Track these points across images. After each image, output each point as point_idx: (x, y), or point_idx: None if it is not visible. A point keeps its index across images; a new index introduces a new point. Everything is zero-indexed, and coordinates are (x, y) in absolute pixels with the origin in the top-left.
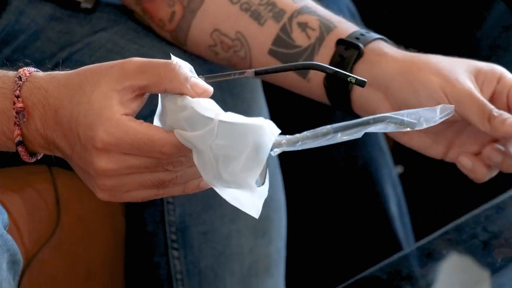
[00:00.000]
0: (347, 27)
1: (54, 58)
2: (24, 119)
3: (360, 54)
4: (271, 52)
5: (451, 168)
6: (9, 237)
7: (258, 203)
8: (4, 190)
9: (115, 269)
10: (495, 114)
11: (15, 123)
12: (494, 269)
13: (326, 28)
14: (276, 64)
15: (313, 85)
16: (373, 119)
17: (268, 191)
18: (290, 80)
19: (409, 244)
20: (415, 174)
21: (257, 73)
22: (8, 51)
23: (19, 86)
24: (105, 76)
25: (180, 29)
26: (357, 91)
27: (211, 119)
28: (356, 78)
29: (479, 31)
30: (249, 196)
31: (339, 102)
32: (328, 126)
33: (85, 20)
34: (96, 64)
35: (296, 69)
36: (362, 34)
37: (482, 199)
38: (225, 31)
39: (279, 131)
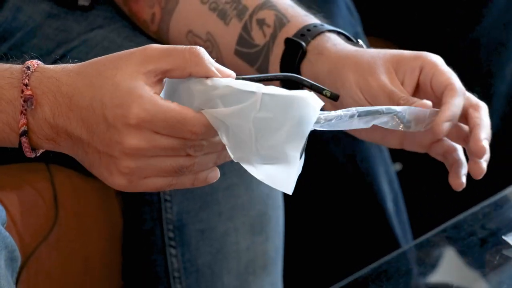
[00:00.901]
0: (298, 21)
1: (51, 55)
2: (32, 107)
3: (303, 53)
4: (236, 53)
5: None
6: (7, 234)
7: (292, 178)
8: (3, 188)
9: (113, 266)
10: (402, 102)
11: (21, 112)
12: (492, 267)
13: (279, 23)
14: (242, 64)
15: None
16: (385, 109)
17: (266, 189)
18: (238, 69)
19: (406, 241)
20: (413, 171)
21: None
22: (5, 48)
23: (28, 75)
24: (126, 60)
25: (161, 30)
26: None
27: (253, 92)
28: (331, 92)
29: (479, 28)
30: (284, 171)
31: None
32: (354, 109)
33: (82, 17)
34: (112, 54)
35: (277, 79)
36: (308, 30)
37: (480, 196)
38: (197, 32)
39: (322, 103)
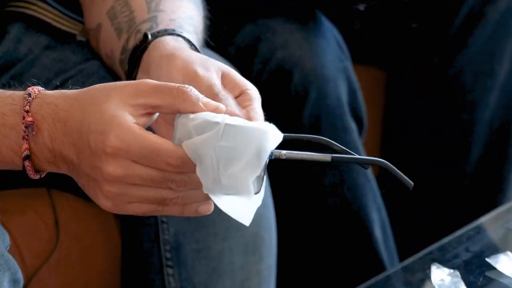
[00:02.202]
0: (163, 28)
1: (50, 84)
2: (33, 133)
3: (146, 44)
4: (120, 61)
5: (434, 191)
6: (10, 257)
7: (251, 210)
8: (6, 212)
9: (112, 286)
10: (221, 97)
11: (23, 137)
12: (475, 287)
13: (149, 30)
14: (119, 70)
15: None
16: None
17: (259, 210)
18: (115, 66)
19: (393, 265)
20: (400, 196)
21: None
22: (6, 78)
23: (29, 102)
24: (119, 91)
25: (101, 55)
26: (139, 74)
27: (218, 123)
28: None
29: (464, 57)
30: (244, 203)
31: None
32: (327, 155)
33: (78, 49)
34: (110, 83)
35: (307, 140)
36: (165, 30)
37: (464, 220)
38: (107, 52)
39: (282, 135)
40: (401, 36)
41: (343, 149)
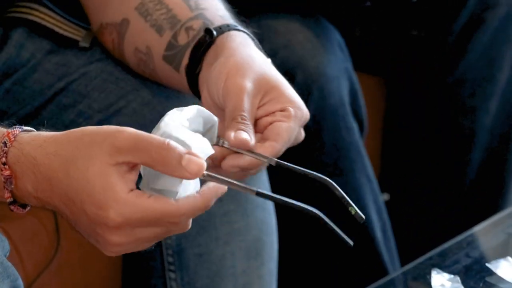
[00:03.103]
0: (220, 23)
1: (52, 88)
2: (12, 186)
3: (212, 39)
4: (164, 57)
5: (435, 196)
6: (9, 264)
7: None
8: (6, 217)
9: None
10: (239, 118)
11: (4, 187)
12: None
13: (204, 26)
14: (166, 66)
15: (182, 76)
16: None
17: (260, 215)
18: (167, 74)
19: (394, 268)
20: (401, 201)
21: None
22: (9, 83)
23: (5, 152)
24: (97, 151)
25: (120, 54)
26: (204, 69)
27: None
28: (356, 211)
29: (464, 64)
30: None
31: (193, 86)
32: (253, 189)
33: (81, 53)
34: (87, 132)
35: (311, 177)
36: (227, 25)
37: (465, 225)
38: (140, 47)
39: (212, 152)
40: (401, 43)
41: (344, 197)
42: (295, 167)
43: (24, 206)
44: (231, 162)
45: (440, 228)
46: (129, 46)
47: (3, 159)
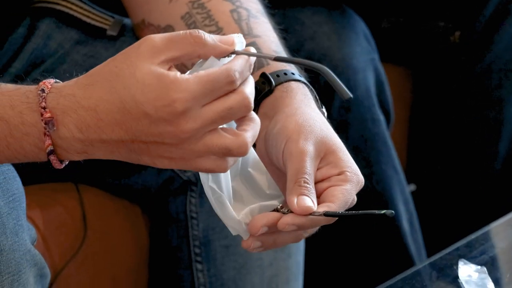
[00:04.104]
0: (277, 66)
1: None
2: (54, 128)
3: (271, 90)
4: None
5: (462, 187)
6: (36, 252)
7: None
8: (34, 207)
9: (139, 282)
10: (302, 181)
11: (45, 133)
12: (503, 284)
13: (258, 63)
14: None
15: None
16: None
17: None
18: None
19: (420, 259)
20: (427, 192)
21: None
22: (37, 73)
23: (43, 98)
24: (137, 57)
25: None
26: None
27: None
28: (347, 94)
29: (490, 54)
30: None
31: None
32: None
33: (110, 44)
34: (115, 56)
35: (306, 65)
36: (285, 74)
37: (491, 216)
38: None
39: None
40: (428, 34)
41: (335, 79)
42: (338, 213)
43: (61, 161)
44: (290, 220)
45: (467, 218)
46: None
47: (43, 104)
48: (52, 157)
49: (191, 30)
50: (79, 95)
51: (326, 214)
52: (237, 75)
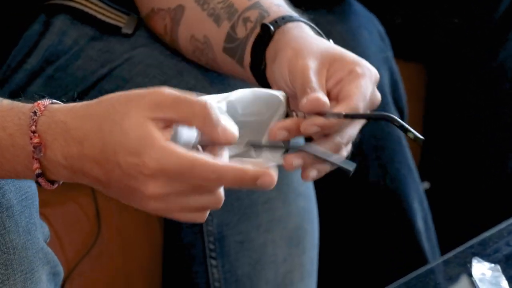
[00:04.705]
0: (276, 14)
1: (95, 74)
2: (41, 154)
3: (271, 35)
4: (224, 49)
5: (476, 185)
6: (49, 250)
7: None
8: (47, 204)
9: (153, 279)
10: (309, 90)
11: (33, 157)
12: None
13: (260, 18)
14: (228, 59)
15: (247, 72)
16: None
17: (302, 203)
18: (230, 67)
19: (434, 257)
20: (441, 190)
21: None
22: (51, 70)
23: (35, 121)
24: (136, 104)
25: (173, 40)
26: (269, 65)
27: None
28: (415, 136)
29: (504, 51)
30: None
31: (261, 81)
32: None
33: (124, 39)
34: (121, 93)
35: (373, 118)
36: (283, 18)
37: (505, 214)
38: (197, 36)
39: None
40: (443, 30)
41: (403, 125)
42: (360, 114)
43: (52, 182)
44: (310, 121)
45: (481, 216)
46: (184, 32)
47: (33, 127)
48: (40, 180)
49: (206, 102)
50: (70, 124)
51: (346, 116)
52: (217, 184)
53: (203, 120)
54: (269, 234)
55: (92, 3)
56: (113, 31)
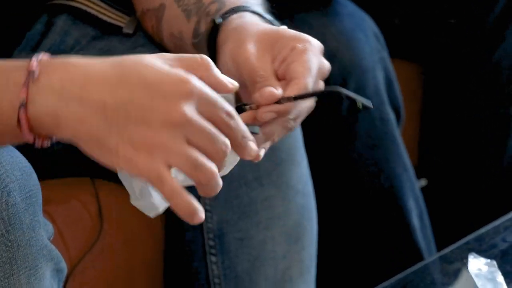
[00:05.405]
0: (229, 6)
1: None
2: (35, 76)
3: (217, 29)
4: (193, 45)
5: (472, 182)
6: (53, 247)
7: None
8: (50, 201)
9: (155, 275)
10: (258, 79)
11: (24, 83)
12: None
13: (217, 11)
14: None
15: (202, 47)
16: None
17: (301, 200)
18: (185, 47)
19: (430, 254)
20: (439, 186)
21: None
22: None
23: (37, 57)
24: (144, 56)
25: (160, 39)
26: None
27: None
28: (363, 103)
29: (500, 50)
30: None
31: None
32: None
33: (125, 38)
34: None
35: (321, 95)
36: (232, 9)
37: (501, 210)
38: (175, 33)
39: None
40: (440, 31)
41: (349, 95)
42: (309, 93)
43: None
44: (265, 108)
45: (477, 212)
46: (165, 31)
47: (33, 59)
48: (21, 112)
49: (203, 55)
50: (76, 59)
51: (296, 98)
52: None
53: (207, 68)
54: (268, 231)
55: (93, 3)
56: (115, 31)
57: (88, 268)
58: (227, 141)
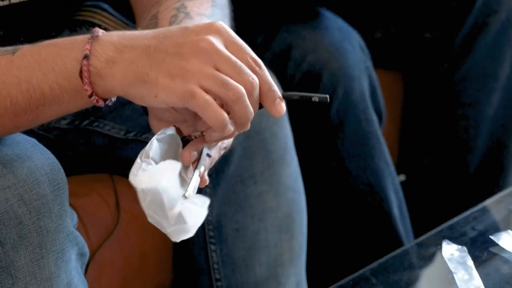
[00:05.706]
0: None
1: None
2: (97, 35)
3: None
4: None
5: (445, 178)
6: (78, 233)
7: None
8: (74, 195)
9: (165, 260)
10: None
11: (88, 40)
12: (481, 262)
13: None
14: None
15: None
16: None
17: (291, 195)
18: None
19: (408, 241)
20: (415, 182)
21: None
22: None
23: (97, 30)
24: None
25: None
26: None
27: None
28: (319, 98)
29: (470, 61)
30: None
31: None
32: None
33: None
34: None
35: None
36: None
37: (471, 202)
38: None
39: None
40: (416, 43)
41: (303, 95)
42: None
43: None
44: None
45: (450, 204)
46: None
47: (96, 29)
48: (84, 62)
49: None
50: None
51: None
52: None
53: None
54: (262, 222)
55: (110, 20)
56: None
57: (106, 254)
58: (255, 76)
